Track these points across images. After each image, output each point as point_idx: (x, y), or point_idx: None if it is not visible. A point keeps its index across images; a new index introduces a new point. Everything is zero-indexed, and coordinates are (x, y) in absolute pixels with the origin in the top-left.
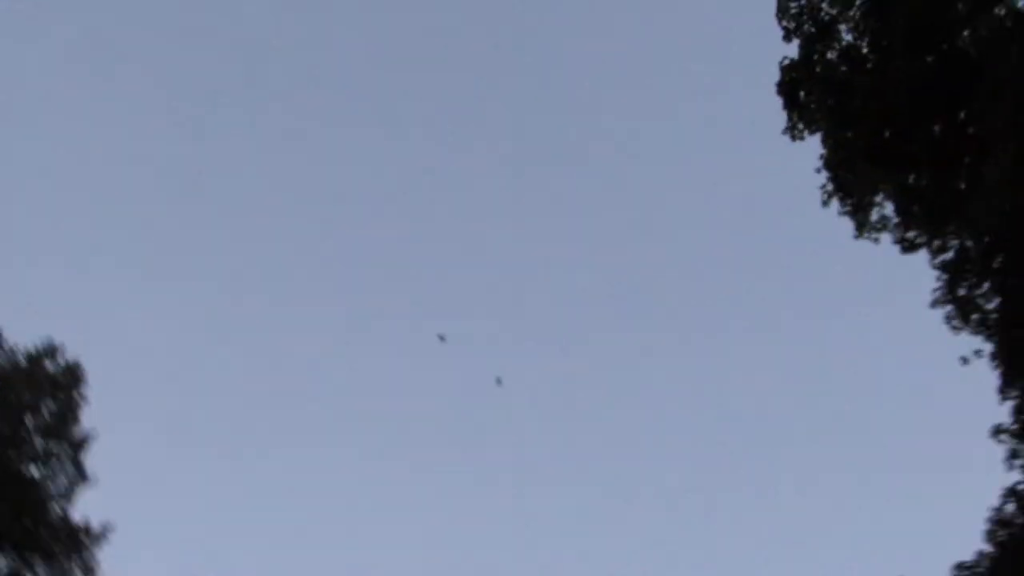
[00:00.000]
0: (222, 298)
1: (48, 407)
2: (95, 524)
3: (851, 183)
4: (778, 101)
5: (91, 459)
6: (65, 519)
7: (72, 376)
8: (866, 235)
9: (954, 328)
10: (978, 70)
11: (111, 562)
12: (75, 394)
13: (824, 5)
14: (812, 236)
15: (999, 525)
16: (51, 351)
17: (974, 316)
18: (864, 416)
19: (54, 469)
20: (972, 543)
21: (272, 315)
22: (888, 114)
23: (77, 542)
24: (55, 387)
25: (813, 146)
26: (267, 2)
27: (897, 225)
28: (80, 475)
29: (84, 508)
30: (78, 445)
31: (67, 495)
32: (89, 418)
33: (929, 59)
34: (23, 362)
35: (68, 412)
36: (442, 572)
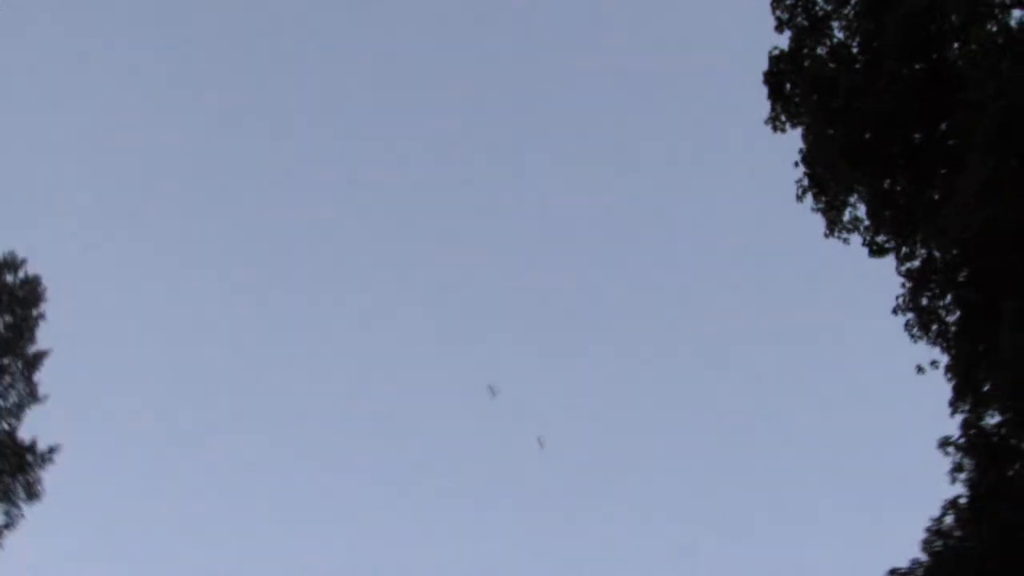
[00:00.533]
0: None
1: (4, 320)
2: (41, 444)
3: (827, 181)
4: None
5: (43, 378)
6: (11, 436)
7: (32, 292)
8: (837, 234)
9: (913, 336)
10: (964, 83)
11: (55, 483)
12: (33, 311)
13: (819, 0)
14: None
15: (936, 535)
16: (13, 264)
17: (934, 327)
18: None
19: (5, 385)
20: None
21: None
22: (871, 116)
23: (22, 461)
24: (13, 301)
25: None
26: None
27: (868, 228)
28: (31, 393)
29: (32, 427)
30: (31, 362)
31: (15, 412)
32: (45, 336)
33: (917, 66)
34: None
35: (24, 328)
36: None
